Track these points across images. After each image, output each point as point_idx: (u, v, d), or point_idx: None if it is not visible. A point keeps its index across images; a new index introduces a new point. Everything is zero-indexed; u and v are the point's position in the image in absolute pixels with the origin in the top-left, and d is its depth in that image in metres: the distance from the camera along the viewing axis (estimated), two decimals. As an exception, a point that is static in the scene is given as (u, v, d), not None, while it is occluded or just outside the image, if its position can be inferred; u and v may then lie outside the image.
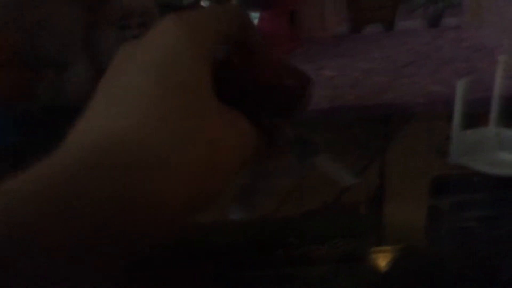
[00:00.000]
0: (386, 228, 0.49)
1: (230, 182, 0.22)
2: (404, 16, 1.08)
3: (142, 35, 0.22)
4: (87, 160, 0.17)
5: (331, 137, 0.66)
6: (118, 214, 0.17)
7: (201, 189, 0.20)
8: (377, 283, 0.44)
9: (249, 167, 0.25)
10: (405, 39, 1.05)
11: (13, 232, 0.15)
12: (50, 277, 0.15)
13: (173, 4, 0.89)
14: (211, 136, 0.21)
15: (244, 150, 0.23)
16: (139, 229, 0.18)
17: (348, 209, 0.53)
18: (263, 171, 0.29)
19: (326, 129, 0.70)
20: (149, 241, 0.18)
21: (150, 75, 0.20)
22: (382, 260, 0.44)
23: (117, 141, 0.19)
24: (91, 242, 0.16)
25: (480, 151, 0.61)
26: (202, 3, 0.94)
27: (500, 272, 0.43)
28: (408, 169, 0.60)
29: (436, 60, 0.88)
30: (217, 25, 0.22)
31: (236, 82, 0.23)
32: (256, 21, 0.96)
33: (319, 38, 1.10)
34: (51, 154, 0.18)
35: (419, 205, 0.53)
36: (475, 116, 0.66)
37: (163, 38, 0.21)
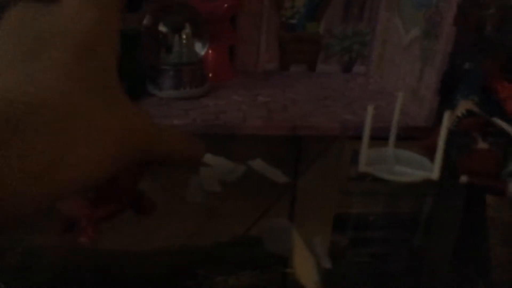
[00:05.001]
0: (290, 262, 0.51)
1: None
2: (323, 61, 1.29)
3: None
4: None
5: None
6: None
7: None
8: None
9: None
10: (323, 79, 1.24)
11: None
12: None
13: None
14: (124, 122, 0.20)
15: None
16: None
17: (256, 242, 0.53)
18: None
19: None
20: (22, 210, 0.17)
21: (68, 47, 0.19)
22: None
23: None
24: None
25: (381, 164, 0.79)
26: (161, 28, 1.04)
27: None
28: (314, 206, 0.64)
29: (347, 97, 1.07)
30: None
31: None
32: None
33: (253, 71, 1.27)
34: None
35: (322, 240, 0.56)
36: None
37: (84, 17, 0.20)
